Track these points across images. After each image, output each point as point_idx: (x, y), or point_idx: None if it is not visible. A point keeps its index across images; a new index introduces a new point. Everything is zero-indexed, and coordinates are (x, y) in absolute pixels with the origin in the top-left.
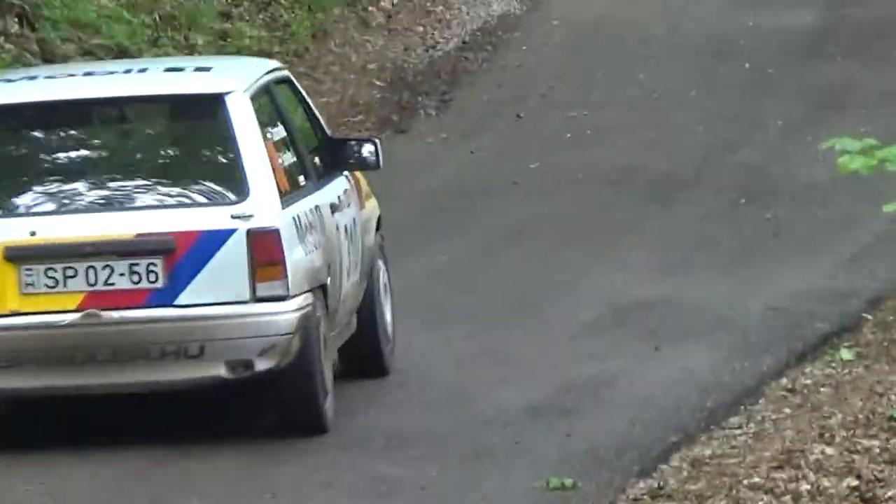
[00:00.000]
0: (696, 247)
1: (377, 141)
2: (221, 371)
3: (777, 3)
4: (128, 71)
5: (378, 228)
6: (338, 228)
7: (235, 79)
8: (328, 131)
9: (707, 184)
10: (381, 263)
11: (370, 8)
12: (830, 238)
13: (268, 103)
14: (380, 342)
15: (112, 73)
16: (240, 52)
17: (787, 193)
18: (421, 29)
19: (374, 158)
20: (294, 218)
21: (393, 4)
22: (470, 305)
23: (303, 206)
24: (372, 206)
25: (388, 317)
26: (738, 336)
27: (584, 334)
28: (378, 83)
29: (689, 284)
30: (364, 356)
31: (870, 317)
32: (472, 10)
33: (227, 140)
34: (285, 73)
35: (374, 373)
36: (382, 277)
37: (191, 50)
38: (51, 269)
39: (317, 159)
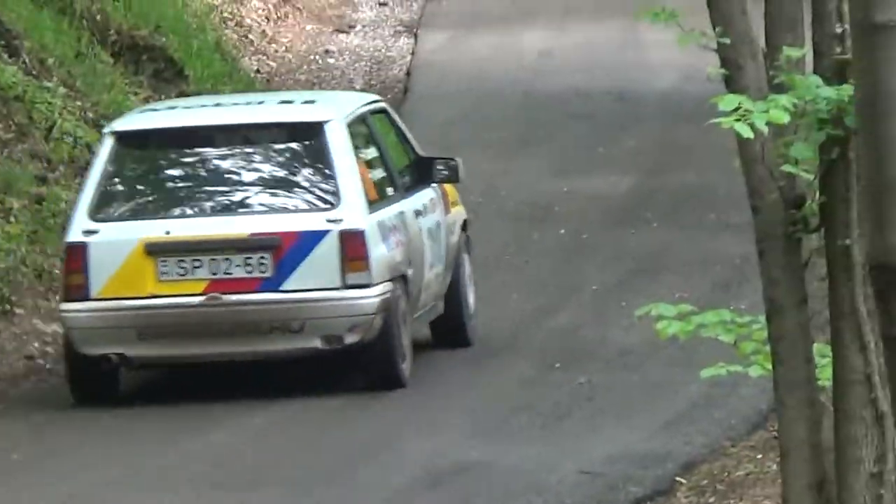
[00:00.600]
0: (511, 411)
1: (458, 159)
2: (317, 344)
3: (592, 170)
4: (248, 103)
5: (465, 229)
6: (420, 230)
7: (334, 110)
8: (419, 151)
9: (522, 348)
10: (465, 258)
11: None
12: (646, 402)
13: (362, 129)
14: (464, 320)
15: (236, 104)
16: (55, 216)
17: (602, 358)
18: None
19: (455, 173)
20: (379, 222)
21: None
22: (282, 470)
23: (388, 212)
24: (458, 211)
25: (472, 300)
26: (551, 499)
27: (398, 499)
28: None
29: (504, 448)
30: (451, 331)
31: (683, 481)
32: None
33: (324, 159)
34: (382, 105)
35: (461, 343)
36: (467, 269)
37: (6, 214)
38: (181, 260)
39: (406, 174)
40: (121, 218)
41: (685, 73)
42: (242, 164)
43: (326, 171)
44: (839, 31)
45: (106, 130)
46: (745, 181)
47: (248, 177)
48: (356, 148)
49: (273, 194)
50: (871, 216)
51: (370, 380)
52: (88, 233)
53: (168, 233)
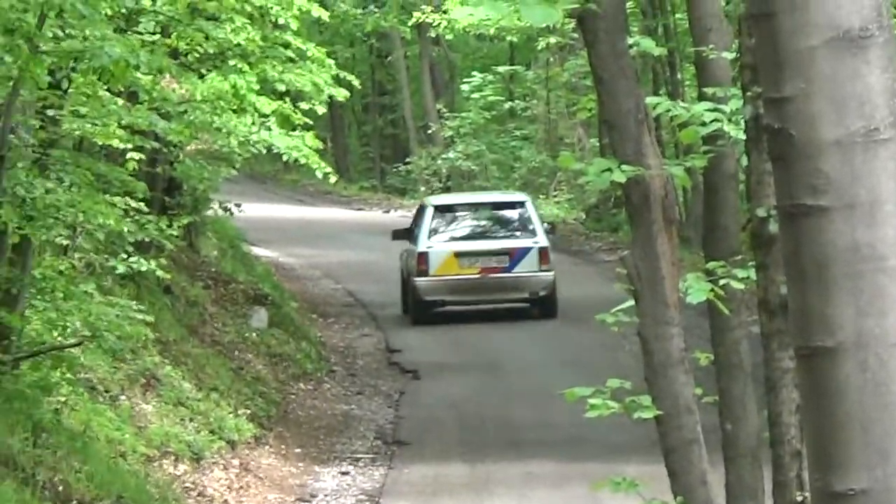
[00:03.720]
0: None
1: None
2: (527, 295)
3: None
4: (487, 191)
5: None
6: None
7: (526, 195)
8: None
9: None
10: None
11: None
12: None
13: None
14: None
15: (480, 191)
16: None
17: None
18: None
19: (554, 228)
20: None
21: None
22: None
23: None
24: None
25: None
26: None
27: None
28: None
29: None
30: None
31: None
32: None
33: (528, 216)
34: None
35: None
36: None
37: None
38: (469, 258)
39: None
40: (441, 241)
41: None
42: (492, 216)
43: (529, 220)
44: (800, 499)
45: (427, 203)
46: None
47: (494, 224)
48: (537, 212)
49: (508, 229)
50: None
51: (542, 312)
52: (428, 247)
53: (462, 247)
